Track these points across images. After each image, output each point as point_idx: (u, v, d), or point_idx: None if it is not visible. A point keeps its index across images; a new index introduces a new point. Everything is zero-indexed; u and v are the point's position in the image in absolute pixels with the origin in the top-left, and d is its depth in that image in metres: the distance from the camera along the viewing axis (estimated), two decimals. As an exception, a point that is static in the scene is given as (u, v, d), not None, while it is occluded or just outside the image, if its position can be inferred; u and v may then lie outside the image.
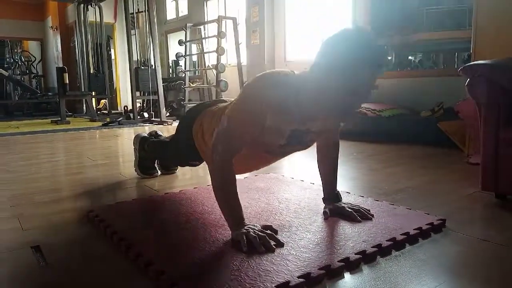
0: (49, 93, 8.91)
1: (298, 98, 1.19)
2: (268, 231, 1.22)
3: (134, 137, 2.25)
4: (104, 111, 8.22)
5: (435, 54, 4.47)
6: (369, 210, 1.45)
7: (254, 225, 1.23)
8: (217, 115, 1.48)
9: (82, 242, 1.32)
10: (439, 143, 3.00)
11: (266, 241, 1.16)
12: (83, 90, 7.67)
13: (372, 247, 1.17)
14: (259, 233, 1.19)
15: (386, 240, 1.21)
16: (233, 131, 1.25)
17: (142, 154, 2.19)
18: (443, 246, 1.23)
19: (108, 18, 8.63)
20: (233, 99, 1.57)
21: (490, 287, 0.99)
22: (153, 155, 2.19)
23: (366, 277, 1.04)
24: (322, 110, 1.19)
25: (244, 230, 1.19)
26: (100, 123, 5.95)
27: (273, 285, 0.94)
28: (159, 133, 2.26)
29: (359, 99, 1.15)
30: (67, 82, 6.10)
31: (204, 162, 1.75)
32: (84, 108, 8.23)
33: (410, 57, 4.55)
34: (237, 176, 1.29)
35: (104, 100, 8.58)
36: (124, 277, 1.07)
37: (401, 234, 1.26)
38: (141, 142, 2.20)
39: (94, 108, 7.34)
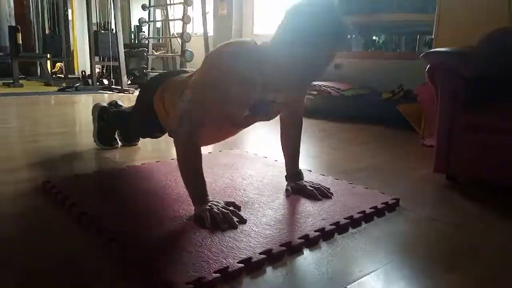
0: (0, 53, 8.31)
1: (261, 68, 1.19)
2: (231, 208, 1.24)
3: (93, 107, 2.17)
4: (60, 75, 7.80)
5: (398, 36, 4.57)
6: (329, 189, 1.50)
7: (217, 201, 1.24)
8: (179, 86, 1.45)
9: (39, 214, 1.28)
10: (397, 124, 3.11)
11: (229, 217, 1.17)
12: (37, 51, 7.21)
13: (331, 224, 1.21)
14: (222, 209, 1.20)
15: (344, 218, 1.26)
16: (197, 103, 1.24)
17: (102, 125, 2.12)
18: (396, 224, 1.31)
19: (65, -25, 8.06)
20: (195, 70, 1.54)
21: (437, 263, 1.07)
22: (113, 126, 2.13)
23: (324, 254, 1.08)
24: (282, 80, 1.21)
25: (208, 206, 1.19)
26: (55, 88, 5.66)
27: (236, 261, 0.97)
28: (120, 103, 2.19)
29: (317, 72, 1.17)
30: (21, 42, 5.71)
31: (166, 134, 1.72)
32: (39, 71, 7.75)
33: (374, 37, 4.62)
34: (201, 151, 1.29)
35: (60, 63, 8.13)
36: (85, 250, 1.05)
37: (357, 213, 1.31)
38: (100, 112, 2.12)
39: (50, 72, 6.95)
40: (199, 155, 1.26)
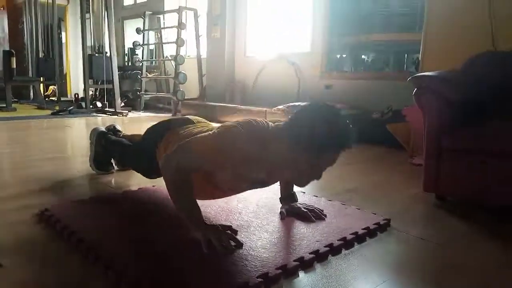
0: (-8, 77, 8.34)
1: (266, 156, 1.23)
2: (228, 232, 1.27)
3: (91, 131, 2.19)
4: (53, 98, 7.83)
5: (386, 55, 4.70)
6: (322, 210, 1.54)
7: (215, 225, 1.28)
8: (184, 139, 1.43)
9: (38, 242, 1.30)
10: (387, 143, 3.18)
11: (226, 242, 1.21)
12: (31, 74, 7.25)
13: (325, 246, 1.25)
14: (220, 234, 1.23)
15: (337, 240, 1.30)
16: (196, 154, 1.27)
17: (99, 150, 2.15)
18: (388, 245, 1.35)
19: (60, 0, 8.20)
20: (202, 121, 1.60)
21: (427, 281, 1.11)
22: (110, 153, 2.15)
23: (318, 276, 1.12)
24: (285, 173, 1.28)
25: (205, 231, 1.23)
26: (49, 111, 5.68)
27: (233, 287, 1.00)
28: (118, 127, 2.21)
29: (319, 172, 1.22)
30: (15, 66, 5.76)
31: None
32: (31, 94, 7.79)
33: (363, 56, 4.74)
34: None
35: (53, 86, 8.18)
36: (84, 279, 1.08)
37: (350, 234, 1.35)
38: (98, 137, 2.14)
39: (42, 95, 6.99)
40: (190, 182, 1.29)
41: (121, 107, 5.82)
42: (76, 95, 7.92)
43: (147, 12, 6.28)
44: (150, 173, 1.78)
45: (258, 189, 1.48)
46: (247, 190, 1.49)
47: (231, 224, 1.35)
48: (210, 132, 1.33)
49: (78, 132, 4.05)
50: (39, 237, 1.33)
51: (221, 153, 1.23)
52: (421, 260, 1.26)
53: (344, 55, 4.69)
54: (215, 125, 1.49)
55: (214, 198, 1.56)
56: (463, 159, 1.72)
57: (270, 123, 1.29)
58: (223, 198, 1.69)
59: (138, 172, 1.86)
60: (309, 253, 1.20)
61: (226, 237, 1.23)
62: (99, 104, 6.06)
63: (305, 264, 1.16)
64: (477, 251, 1.32)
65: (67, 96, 8.75)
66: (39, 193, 1.82)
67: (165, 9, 6.65)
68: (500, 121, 1.77)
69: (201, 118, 1.72)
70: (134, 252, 1.18)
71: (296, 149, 1.16)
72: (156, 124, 1.77)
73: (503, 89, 1.98)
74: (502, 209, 1.67)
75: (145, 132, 1.79)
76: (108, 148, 2.09)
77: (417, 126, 2.70)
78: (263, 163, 1.25)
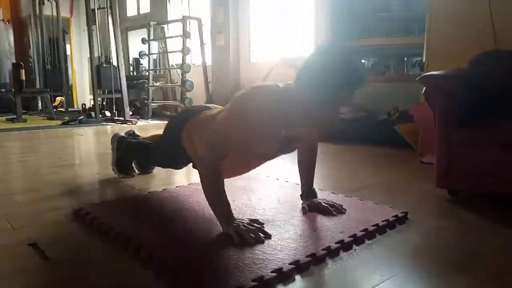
0: (2, 90, 8.46)
1: (285, 108, 1.31)
2: (256, 224, 1.35)
3: (112, 137, 2.28)
4: (61, 109, 7.95)
5: (387, 58, 4.79)
6: (341, 205, 1.61)
7: (242, 220, 1.35)
8: (206, 123, 1.58)
9: (77, 239, 1.37)
10: (394, 144, 3.26)
11: (256, 233, 1.28)
12: (38, 86, 7.37)
13: (349, 237, 1.32)
14: (249, 226, 1.31)
15: (360, 231, 1.37)
16: (222, 138, 1.35)
17: (120, 154, 2.23)
18: (408, 235, 1.42)
19: (64, 13, 8.34)
20: (219, 107, 1.68)
21: (447, 267, 1.18)
22: (132, 155, 2.23)
23: (345, 262, 1.19)
24: (307, 121, 1.33)
25: (235, 225, 1.30)
26: (59, 122, 5.78)
27: (269, 271, 1.07)
28: (137, 132, 2.31)
29: (337, 111, 1.29)
30: (24, 78, 5.87)
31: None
32: (40, 105, 7.90)
33: (363, 61, 4.83)
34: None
35: (61, 97, 8.29)
36: (128, 269, 1.15)
37: (371, 226, 1.42)
38: (119, 142, 2.23)
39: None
40: (222, 179, 1.38)
41: (130, 115, 5.92)
42: (84, 105, 8.04)
43: (152, 23, 6.40)
44: (178, 163, 1.89)
45: (284, 157, 1.54)
46: (276, 155, 1.52)
47: (257, 218, 1.43)
48: (227, 108, 1.41)
49: (91, 140, 4.14)
50: (77, 234, 1.41)
51: (246, 119, 1.29)
52: (440, 248, 1.33)
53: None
54: None
55: (248, 170, 1.66)
56: (472, 153, 1.79)
57: (279, 84, 1.37)
58: (245, 196, 1.77)
59: (165, 167, 1.95)
60: (335, 243, 1.27)
61: (255, 229, 1.30)
62: (108, 113, 6.15)
63: (332, 252, 1.23)
64: (494, 240, 1.39)
65: (73, 107, 8.87)
66: (67, 196, 1.90)
67: (169, 18, 6.78)
68: (506, 115, 1.85)
69: (217, 106, 1.82)
70: (171, 244, 1.25)
71: (314, 94, 1.20)
72: (176, 115, 1.88)
73: (509, 85, 2.06)
74: (513, 200, 1.74)
75: (167, 124, 1.88)
76: (130, 152, 2.18)
77: (424, 124, 2.78)
78: (284, 118, 1.31)
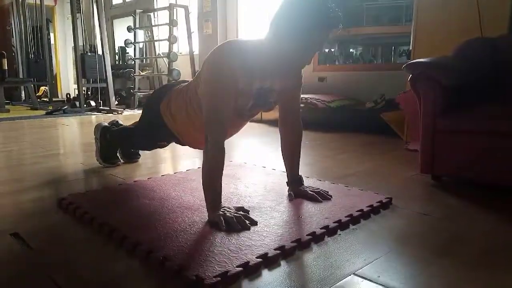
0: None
1: (260, 58, 1.30)
2: (241, 212, 1.35)
3: (95, 127, 2.25)
4: (45, 99, 7.81)
5: (374, 47, 4.81)
6: (327, 192, 1.62)
7: (228, 207, 1.35)
8: (183, 92, 1.59)
9: (61, 228, 1.36)
10: (381, 131, 3.28)
11: (242, 220, 1.28)
12: (21, 76, 7.22)
13: (333, 222, 1.33)
14: (234, 214, 1.31)
15: (345, 216, 1.39)
16: (217, 105, 1.34)
17: (104, 144, 2.21)
18: (392, 220, 1.44)
19: (47, 1, 8.15)
20: (194, 78, 1.67)
21: (430, 251, 1.20)
22: (116, 144, 2.21)
23: (330, 247, 1.20)
24: (279, 66, 1.33)
25: (221, 212, 1.30)
26: (43, 112, 5.68)
27: (254, 256, 1.07)
28: (120, 122, 2.28)
29: (311, 56, 1.30)
30: (6, 68, 5.74)
31: (172, 144, 1.90)
32: (23, 95, 7.75)
33: (351, 50, 4.84)
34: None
35: (45, 87, 8.14)
36: (113, 258, 1.14)
37: (356, 211, 1.44)
38: (102, 132, 2.21)
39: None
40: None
41: (116, 105, 5.84)
42: (68, 95, 7.91)
43: (138, 11, 6.29)
44: (159, 138, 1.90)
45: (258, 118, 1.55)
46: (252, 110, 1.51)
47: (242, 206, 1.43)
48: (204, 77, 1.40)
49: (76, 130, 4.08)
50: (60, 223, 1.40)
51: (224, 70, 1.30)
52: (425, 233, 1.35)
53: (332, 49, 4.78)
54: None
55: (235, 129, 1.68)
56: (456, 140, 1.81)
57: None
58: (232, 184, 1.77)
59: (150, 148, 1.98)
60: (320, 228, 1.28)
61: (241, 216, 1.30)
62: (93, 103, 6.07)
63: (317, 238, 1.24)
64: (478, 225, 1.41)
65: (58, 97, 8.72)
66: (51, 186, 1.88)
67: (156, 6, 6.67)
68: (490, 103, 1.88)
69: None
70: (157, 233, 1.24)
71: (287, 41, 1.21)
72: (154, 91, 1.88)
73: (493, 73, 2.09)
74: (494, 186, 1.77)
75: (146, 100, 1.88)
76: (113, 141, 2.16)
77: (410, 112, 2.80)
78: (258, 69, 1.32)
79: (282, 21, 1.23)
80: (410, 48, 3.09)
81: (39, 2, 7.36)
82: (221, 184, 1.37)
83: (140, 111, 2.02)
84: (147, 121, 1.84)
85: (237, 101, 1.39)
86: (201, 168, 1.39)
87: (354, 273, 1.04)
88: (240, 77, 1.32)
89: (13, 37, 7.65)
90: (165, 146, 1.99)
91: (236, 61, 1.30)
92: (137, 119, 2.01)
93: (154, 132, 1.82)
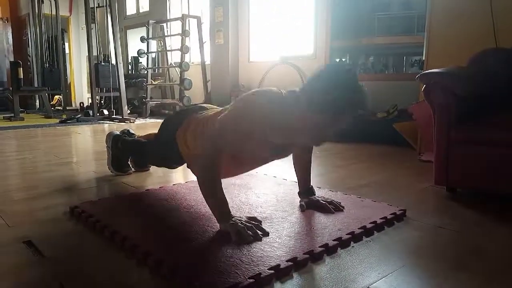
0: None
1: (284, 120, 1.29)
2: (253, 222, 1.34)
3: (107, 136, 2.27)
4: (59, 108, 7.94)
5: (386, 57, 4.78)
6: (340, 203, 1.61)
7: (240, 217, 1.34)
8: (202, 122, 1.57)
9: (73, 236, 1.36)
10: (393, 142, 3.25)
11: (253, 231, 1.27)
12: (36, 85, 7.36)
13: (346, 234, 1.31)
14: (246, 223, 1.30)
15: (358, 228, 1.37)
16: (222, 136, 1.34)
17: (116, 152, 2.22)
18: (406, 233, 1.41)
19: (63, 11, 8.33)
20: (215, 107, 1.68)
21: (446, 264, 1.17)
22: (128, 154, 2.22)
23: (343, 260, 1.18)
24: (302, 135, 1.33)
25: (232, 222, 1.29)
26: (56, 120, 5.76)
27: (266, 268, 1.06)
28: (131, 131, 2.29)
29: (335, 131, 1.29)
30: (22, 77, 5.85)
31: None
32: (37, 104, 7.89)
33: (363, 59, 4.82)
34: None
35: (59, 96, 8.28)
36: (124, 267, 1.14)
37: (369, 223, 1.42)
38: (114, 140, 2.22)
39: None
40: (219, 177, 1.36)
41: (128, 114, 5.90)
42: (81, 104, 8.02)
43: (151, 21, 6.38)
44: (171, 162, 1.90)
45: (276, 162, 1.57)
46: (268, 160, 1.55)
47: (255, 216, 1.41)
48: (229, 109, 1.40)
49: (89, 138, 4.12)
50: (73, 232, 1.40)
51: (244, 122, 1.30)
52: (439, 245, 1.32)
53: (343, 59, 4.78)
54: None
55: (242, 171, 1.69)
56: (471, 151, 1.78)
57: (283, 90, 1.36)
58: (243, 194, 1.76)
59: (159, 166, 1.95)
60: (333, 240, 1.26)
61: (253, 226, 1.29)
62: (105, 112, 6.14)
63: (330, 250, 1.22)
64: (494, 237, 1.38)
65: (72, 105, 8.85)
66: (63, 194, 1.89)
67: (168, 17, 6.76)
68: (506, 113, 1.84)
69: (213, 105, 1.81)
70: (168, 242, 1.24)
71: (313, 112, 1.21)
72: (172, 114, 1.87)
73: (508, 83, 2.05)
74: (511, 198, 1.74)
75: (162, 123, 1.87)
76: (125, 150, 2.17)
77: (424, 123, 2.77)
78: (281, 127, 1.31)
79: (314, 94, 1.21)
80: (423, 58, 3.07)
81: (54, 13, 7.52)
82: (223, 195, 1.35)
83: (151, 120, 2.03)
84: (161, 144, 1.83)
85: (251, 149, 1.40)
86: None
87: (368, 287, 1.02)
88: (259, 130, 1.32)
89: (29, 46, 7.83)
90: (175, 168, 2.00)
91: (262, 115, 1.29)
92: (149, 129, 2.03)
93: (167, 155, 1.81)
